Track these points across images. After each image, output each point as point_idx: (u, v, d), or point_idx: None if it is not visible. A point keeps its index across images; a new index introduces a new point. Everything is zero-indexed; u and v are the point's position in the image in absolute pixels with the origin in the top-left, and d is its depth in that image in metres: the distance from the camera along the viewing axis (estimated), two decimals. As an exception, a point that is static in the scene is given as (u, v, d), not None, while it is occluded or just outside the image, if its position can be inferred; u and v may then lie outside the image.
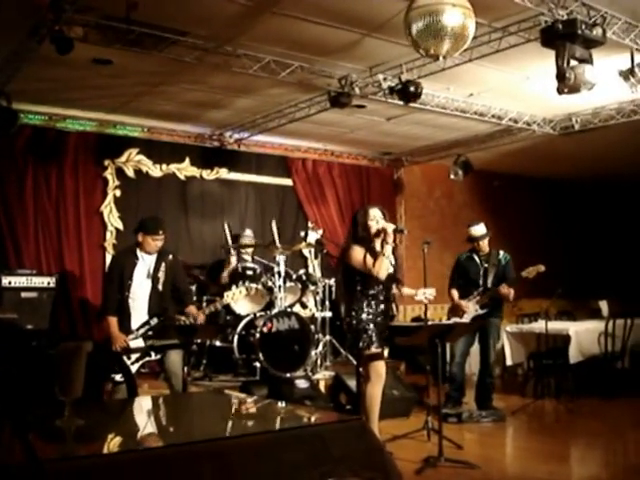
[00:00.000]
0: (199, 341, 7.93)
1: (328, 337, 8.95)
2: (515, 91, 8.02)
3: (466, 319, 7.39)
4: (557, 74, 5.53)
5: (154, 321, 5.88)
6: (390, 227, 5.59)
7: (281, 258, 8.43)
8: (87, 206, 8.87)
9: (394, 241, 5.62)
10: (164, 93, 7.98)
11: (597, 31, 5.42)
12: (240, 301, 8.31)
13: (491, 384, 7.60)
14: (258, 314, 8.32)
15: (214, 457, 2.49)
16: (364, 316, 5.59)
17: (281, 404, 3.84)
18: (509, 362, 8.72)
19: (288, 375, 7.82)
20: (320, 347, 8.71)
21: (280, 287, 8.38)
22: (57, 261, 8.53)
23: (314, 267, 10.03)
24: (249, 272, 8.63)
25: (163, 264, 6.04)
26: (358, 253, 5.61)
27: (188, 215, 9.76)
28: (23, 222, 8.31)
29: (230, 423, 3.31)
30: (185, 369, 5.76)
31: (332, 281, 9.16)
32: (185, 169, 9.76)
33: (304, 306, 9.02)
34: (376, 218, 5.68)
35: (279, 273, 8.40)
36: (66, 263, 8.57)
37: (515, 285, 7.53)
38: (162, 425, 3.33)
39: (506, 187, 12.86)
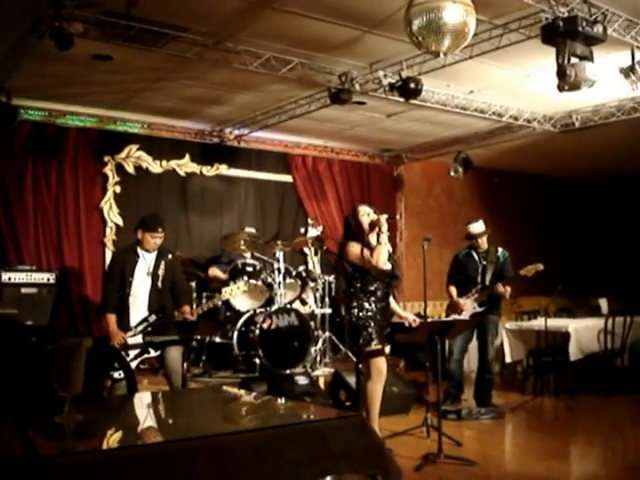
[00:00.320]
0: (199, 337, 7.94)
1: (328, 334, 8.95)
2: (515, 88, 8.01)
3: (465, 317, 7.40)
4: (558, 71, 5.52)
5: (152, 318, 5.88)
6: (383, 217, 5.62)
7: (281, 255, 8.44)
8: (87, 202, 8.86)
9: (389, 230, 5.63)
10: (164, 89, 7.97)
11: (598, 28, 5.41)
12: (239, 297, 8.31)
13: (490, 380, 7.61)
14: (258, 310, 8.32)
15: (214, 453, 2.49)
16: (364, 313, 5.59)
17: (281, 400, 3.85)
18: (508, 359, 8.72)
19: (288, 372, 7.82)
20: (320, 344, 8.72)
21: (280, 284, 8.38)
22: (57, 257, 8.52)
23: (314, 264, 10.03)
24: (249, 268, 8.63)
25: (163, 262, 6.05)
26: (355, 248, 5.62)
27: (188, 211, 9.76)
28: (23, 218, 8.30)
29: (229, 419, 3.32)
30: (185, 365, 5.77)
31: (332, 278, 9.17)
32: (185, 165, 9.75)
33: (304, 303, 9.02)
34: (366, 212, 5.72)
35: (279, 270, 8.41)
36: (66, 259, 8.56)
37: (513, 283, 7.53)
38: (161, 421, 3.33)
39: (506, 184, 12.87)
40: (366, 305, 5.61)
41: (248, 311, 8.34)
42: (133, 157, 9.27)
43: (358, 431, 2.91)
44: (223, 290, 6.72)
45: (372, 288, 5.64)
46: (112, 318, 5.85)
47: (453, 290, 7.72)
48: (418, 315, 6.64)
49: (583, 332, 8.29)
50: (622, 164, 11.47)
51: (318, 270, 9.63)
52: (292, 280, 8.72)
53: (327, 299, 9.16)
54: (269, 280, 8.50)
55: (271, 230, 10.04)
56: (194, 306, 7.10)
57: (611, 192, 13.54)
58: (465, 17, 4.82)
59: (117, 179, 9.12)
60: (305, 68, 7.19)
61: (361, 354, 5.73)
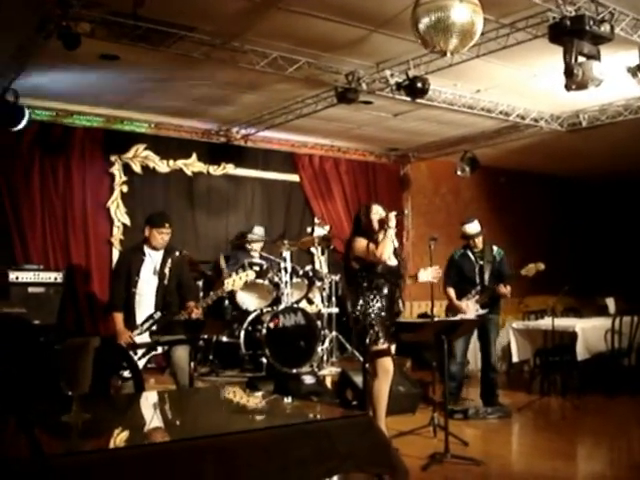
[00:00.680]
0: (206, 336, 7.96)
1: (334, 333, 8.96)
2: (522, 87, 7.99)
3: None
4: (565, 70, 5.51)
5: (157, 315, 5.89)
6: (392, 214, 5.62)
7: (287, 254, 8.44)
8: (94, 201, 8.88)
9: (396, 226, 5.63)
10: (171, 89, 7.98)
11: (605, 27, 5.40)
12: (246, 296, 8.33)
13: (495, 379, 7.56)
14: (265, 310, 8.33)
15: (220, 452, 2.50)
16: (370, 312, 5.59)
17: (287, 400, 3.85)
18: (515, 359, 8.70)
19: (294, 371, 7.83)
20: (326, 343, 8.72)
21: (287, 283, 8.39)
22: (64, 256, 8.54)
23: (320, 263, 10.03)
24: (256, 268, 8.63)
25: (169, 260, 6.06)
26: (361, 242, 5.63)
27: (195, 211, 9.77)
28: (30, 218, 8.32)
29: (236, 419, 3.32)
30: (192, 364, 5.77)
31: (338, 277, 9.17)
32: (192, 165, 9.77)
33: (310, 302, 9.02)
34: (378, 213, 5.72)
35: (285, 269, 8.41)
36: (73, 258, 8.58)
37: (513, 282, 7.50)
38: (168, 420, 3.34)
39: (513, 184, 12.84)
40: (372, 303, 5.60)
41: (255, 310, 8.35)
42: (140, 157, 9.29)
43: (365, 430, 2.91)
44: (226, 281, 6.71)
45: (378, 286, 5.64)
46: (119, 317, 5.87)
47: (452, 292, 7.67)
48: (424, 315, 6.63)
49: (590, 332, 8.27)
50: (629, 163, 11.43)
51: (325, 269, 9.62)
52: (299, 279, 8.73)
53: (334, 298, 9.17)
54: (276, 279, 8.51)
55: (278, 229, 10.04)
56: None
57: (618, 191, 13.50)
58: (472, 16, 4.82)
59: (124, 178, 9.14)
60: (312, 67, 7.19)
61: (368, 353, 5.73)
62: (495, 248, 7.69)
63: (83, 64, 6.87)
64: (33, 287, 7.62)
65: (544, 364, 8.63)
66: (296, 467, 2.61)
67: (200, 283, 8.41)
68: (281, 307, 8.14)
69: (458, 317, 7.38)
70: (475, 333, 7.59)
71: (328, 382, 7.85)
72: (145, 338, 5.83)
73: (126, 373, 4.84)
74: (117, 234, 9.02)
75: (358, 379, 6.88)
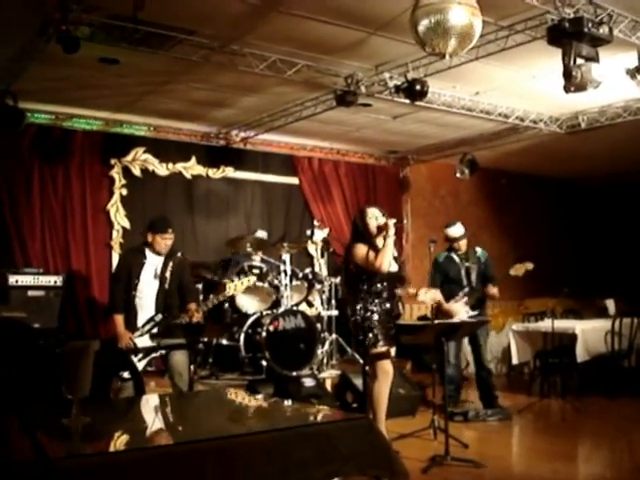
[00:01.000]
0: (206, 340, 7.96)
1: (334, 336, 8.96)
2: (521, 89, 8.00)
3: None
4: (564, 72, 5.52)
5: (158, 317, 5.89)
6: (391, 221, 5.61)
7: (287, 257, 8.44)
8: (93, 205, 8.89)
9: (395, 234, 5.63)
10: (170, 92, 7.99)
11: (604, 29, 5.41)
12: (246, 299, 8.33)
13: (489, 379, 7.49)
14: (264, 313, 8.33)
15: (221, 455, 2.50)
16: (369, 315, 5.59)
17: (287, 403, 3.85)
18: (515, 361, 8.69)
19: (294, 374, 7.83)
20: (326, 346, 8.72)
21: (286, 286, 8.39)
22: (64, 260, 8.55)
23: (320, 266, 10.04)
24: (255, 271, 8.63)
25: (170, 263, 6.05)
26: (361, 249, 5.63)
27: (194, 214, 9.77)
28: (30, 221, 8.33)
29: (236, 422, 3.32)
30: (192, 368, 5.76)
31: (338, 280, 9.16)
32: (191, 168, 9.77)
33: (310, 305, 9.03)
34: (374, 215, 5.71)
35: (285, 272, 8.42)
36: (73, 262, 8.58)
37: (498, 283, 7.46)
38: (169, 423, 3.34)
39: (512, 186, 12.84)
40: (371, 307, 5.60)
41: (255, 313, 8.35)
42: (139, 160, 9.30)
43: (365, 433, 2.92)
44: (227, 286, 6.71)
45: (378, 289, 5.64)
46: (120, 319, 5.86)
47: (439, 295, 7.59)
48: (424, 317, 6.62)
49: (590, 333, 8.27)
50: (629, 165, 11.44)
51: (325, 272, 9.63)
52: (298, 282, 8.73)
53: (334, 301, 9.17)
54: (275, 282, 8.51)
55: (277, 232, 10.04)
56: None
57: (617, 193, 13.51)
58: (471, 19, 4.82)
59: (123, 182, 9.14)
60: (311, 70, 7.20)
61: (367, 356, 5.73)
62: (479, 250, 7.65)
63: (83, 67, 6.88)
64: (33, 291, 7.62)
65: (544, 366, 8.63)
66: (297, 470, 2.61)
67: (200, 286, 8.40)
68: (281, 310, 8.14)
69: (456, 319, 7.35)
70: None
71: (328, 385, 7.85)
72: (145, 341, 5.83)
73: (125, 374, 4.84)
74: (117, 237, 9.02)
75: (358, 382, 6.88)
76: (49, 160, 8.53)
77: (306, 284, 8.81)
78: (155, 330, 5.85)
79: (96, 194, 8.94)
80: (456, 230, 7.54)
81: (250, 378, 7.91)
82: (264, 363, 7.91)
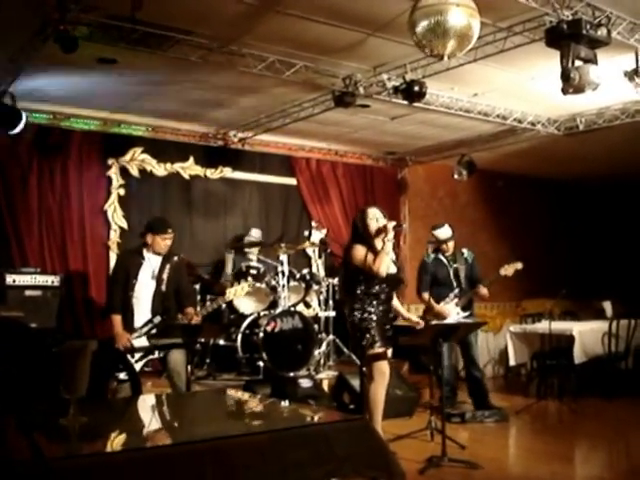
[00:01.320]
0: (203, 340, 7.95)
1: (331, 337, 8.96)
2: (519, 91, 8.01)
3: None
4: (562, 74, 5.53)
5: (157, 319, 5.89)
6: (390, 224, 5.61)
7: (285, 257, 8.44)
8: (91, 205, 8.88)
9: (394, 237, 5.63)
10: (168, 92, 7.98)
11: (602, 31, 5.42)
12: (244, 300, 8.32)
13: (481, 378, 7.45)
14: (262, 313, 8.33)
15: (218, 456, 2.50)
16: (367, 316, 5.59)
17: (284, 403, 3.84)
18: (512, 362, 8.71)
19: (291, 374, 7.83)
20: (323, 346, 8.73)
21: (284, 286, 8.40)
22: (61, 260, 8.54)
23: (318, 267, 10.04)
24: (253, 271, 8.64)
25: (168, 265, 6.06)
26: (360, 251, 5.63)
27: (192, 214, 9.77)
28: (27, 221, 8.32)
29: (233, 422, 3.32)
30: (189, 368, 5.77)
31: (336, 281, 9.16)
32: (189, 168, 9.77)
33: (308, 305, 9.04)
34: (375, 217, 5.70)
35: (283, 272, 8.42)
36: (70, 262, 8.58)
37: (487, 283, 7.43)
38: (166, 424, 3.34)
39: (510, 187, 12.84)
40: (369, 308, 5.61)
41: (252, 314, 8.35)
42: (137, 160, 9.29)
43: (362, 434, 2.91)
44: (227, 291, 6.73)
45: (376, 291, 5.64)
46: (118, 319, 5.86)
47: (427, 296, 7.55)
48: (422, 318, 6.61)
49: (587, 335, 8.28)
50: (626, 167, 11.46)
51: (322, 273, 9.63)
52: (296, 283, 8.74)
53: (331, 302, 9.17)
54: (273, 283, 8.52)
55: (275, 233, 10.04)
56: (198, 308, 7.11)
57: (615, 195, 13.52)
58: (469, 20, 4.83)
59: (121, 182, 9.13)
60: (309, 71, 7.20)
61: (364, 357, 5.73)
62: (465, 251, 7.64)
63: (81, 67, 6.87)
64: (30, 290, 7.61)
65: (541, 367, 8.64)
66: (294, 470, 2.61)
67: (197, 287, 8.40)
68: (278, 310, 8.15)
69: (450, 320, 7.34)
70: None
71: (325, 386, 7.86)
72: (143, 341, 5.83)
73: (122, 375, 4.84)
74: (114, 237, 9.01)
75: (355, 382, 6.88)
76: (47, 160, 8.52)
77: (304, 285, 8.82)
78: (153, 332, 5.85)
79: (94, 194, 8.93)
80: (443, 232, 7.55)
81: (247, 379, 7.90)
82: (261, 364, 7.91)
